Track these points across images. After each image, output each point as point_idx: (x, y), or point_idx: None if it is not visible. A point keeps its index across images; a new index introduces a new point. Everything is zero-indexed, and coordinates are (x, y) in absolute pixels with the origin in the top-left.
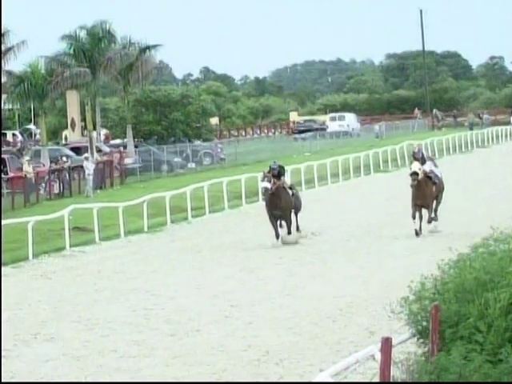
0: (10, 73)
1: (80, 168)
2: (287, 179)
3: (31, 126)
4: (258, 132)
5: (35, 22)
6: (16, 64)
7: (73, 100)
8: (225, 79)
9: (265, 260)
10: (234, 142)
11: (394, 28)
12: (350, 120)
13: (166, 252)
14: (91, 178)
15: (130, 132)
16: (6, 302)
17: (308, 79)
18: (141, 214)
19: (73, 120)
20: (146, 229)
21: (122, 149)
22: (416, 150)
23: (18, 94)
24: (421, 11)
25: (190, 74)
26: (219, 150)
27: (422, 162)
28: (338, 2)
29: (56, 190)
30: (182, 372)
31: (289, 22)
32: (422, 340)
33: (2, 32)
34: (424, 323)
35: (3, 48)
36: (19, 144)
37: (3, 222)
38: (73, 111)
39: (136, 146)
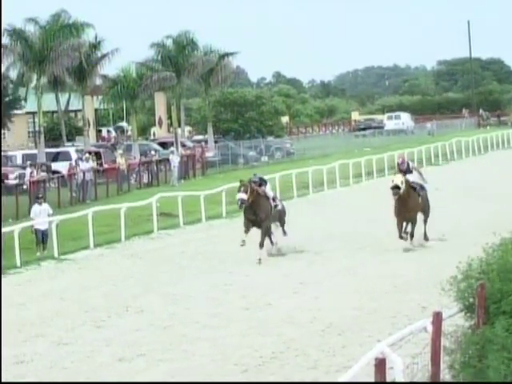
0: (105, 76)
1: (166, 161)
2: (268, 189)
3: (123, 124)
4: (324, 129)
5: (127, 32)
6: (110, 69)
7: (160, 100)
8: (294, 82)
9: (331, 240)
10: (302, 138)
11: (445, 37)
12: (405, 119)
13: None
14: (176, 169)
15: (210, 129)
16: (102, 279)
17: (368, 83)
18: (220, 201)
19: (160, 118)
20: (224, 214)
21: (203, 144)
22: (400, 161)
23: (112, 95)
24: (468, 22)
25: (263, 78)
26: (289, 145)
27: (407, 171)
28: (394, 14)
29: (145, 180)
30: (256, 341)
31: (351, 32)
32: (468, 314)
33: (98, 40)
34: (471, 299)
35: (99, 55)
36: (113, 139)
37: (98, 208)
38: (160, 110)
39: (216, 142)
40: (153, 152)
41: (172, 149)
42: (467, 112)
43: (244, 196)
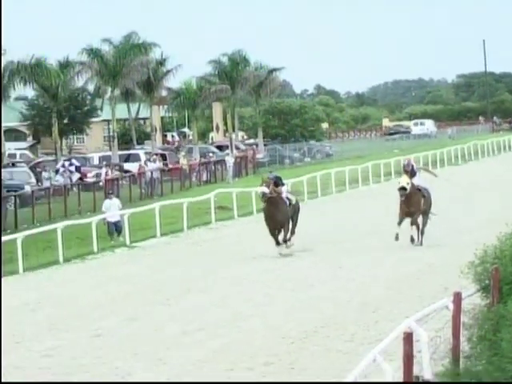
0: (169, 89)
1: (222, 161)
2: (284, 190)
3: (185, 130)
4: (358, 134)
5: (189, 50)
6: (174, 82)
7: (217, 109)
8: (333, 94)
9: (366, 230)
10: (339, 142)
11: (464, 54)
12: (429, 125)
13: None
14: (231, 168)
15: (260, 134)
16: (167, 264)
17: (396, 93)
18: None
19: (217, 125)
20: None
21: (254, 147)
22: (405, 163)
23: (175, 105)
24: (484, 41)
25: (306, 90)
26: (328, 147)
27: (412, 175)
28: (419, 33)
29: (204, 178)
30: (300, 317)
31: (381, 49)
32: (484, 294)
33: (164, 58)
34: (486, 281)
35: (164, 70)
36: (176, 143)
37: (161, 203)
38: (217, 118)
39: (265, 145)
40: (211, 154)
41: (227, 151)
42: (483, 119)
43: (266, 189)
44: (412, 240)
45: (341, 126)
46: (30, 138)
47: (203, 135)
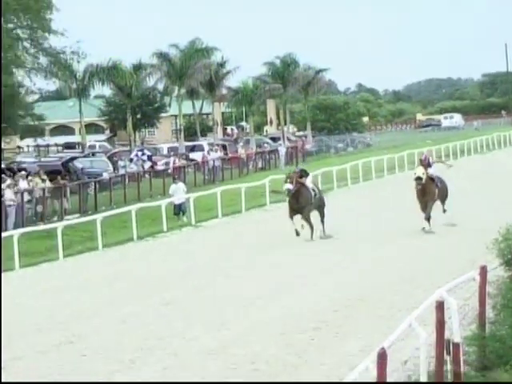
0: (229, 87)
1: (276, 151)
2: (309, 181)
3: (243, 123)
4: (395, 127)
5: (246, 53)
6: (233, 82)
7: (271, 105)
8: (372, 91)
9: (403, 211)
10: (378, 134)
11: (488, 55)
12: (457, 118)
13: (331, 208)
14: (283, 157)
15: (308, 127)
16: (229, 240)
17: (429, 91)
18: (317, 181)
19: (271, 119)
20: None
21: (303, 138)
22: (423, 158)
23: (234, 101)
24: (505, 45)
25: (348, 88)
26: (368, 138)
27: (428, 166)
28: (450, 36)
29: (260, 166)
30: (344, 289)
31: (415, 50)
32: (507, 267)
33: (224, 60)
34: (509, 256)
35: (224, 71)
36: (235, 135)
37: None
38: (271, 113)
39: (313, 136)
40: (265, 144)
41: (280, 142)
42: (505, 113)
43: (290, 186)
44: (426, 226)
45: (379, 119)
46: (107, 131)
47: (259, 128)
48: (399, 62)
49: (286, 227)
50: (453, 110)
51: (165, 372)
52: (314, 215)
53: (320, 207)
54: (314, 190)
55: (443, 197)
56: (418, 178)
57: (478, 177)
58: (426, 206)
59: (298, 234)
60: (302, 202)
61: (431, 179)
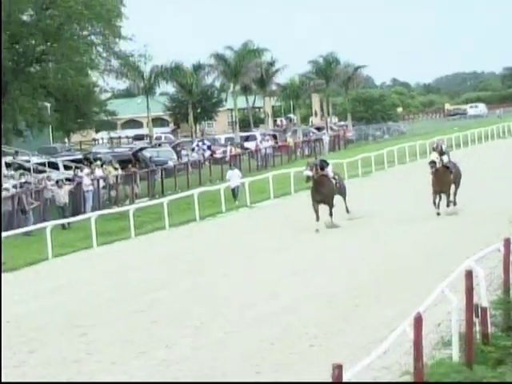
0: (278, 84)
1: (320, 139)
2: (330, 170)
3: (291, 115)
4: (425, 116)
5: (293, 53)
6: (281, 78)
7: (315, 99)
8: (405, 84)
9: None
10: (410, 122)
11: (509, 50)
12: (481, 107)
13: (367, 188)
14: (327, 145)
15: (349, 117)
16: (280, 219)
17: (455, 83)
18: (357, 166)
19: (315, 111)
20: (360, 174)
21: (344, 127)
22: (435, 146)
23: (283, 96)
24: None
25: (384, 82)
26: (402, 127)
27: (441, 154)
28: (476, 33)
29: (306, 153)
30: (386, 259)
31: (443, 47)
32: None
33: (273, 60)
34: None
35: (274, 69)
36: (284, 126)
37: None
38: (315, 105)
39: (353, 126)
40: (311, 134)
41: (324, 131)
42: None
43: (310, 173)
44: (438, 214)
45: (412, 109)
46: (171, 124)
47: (305, 119)
48: (429, 58)
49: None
50: (477, 100)
51: (226, 336)
52: (338, 199)
53: (341, 193)
54: (334, 179)
55: (457, 180)
56: (432, 162)
57: (501, 158)
58: (440, 194)
59: (317, 231)
60: (325, 193)
61: (446, 167)
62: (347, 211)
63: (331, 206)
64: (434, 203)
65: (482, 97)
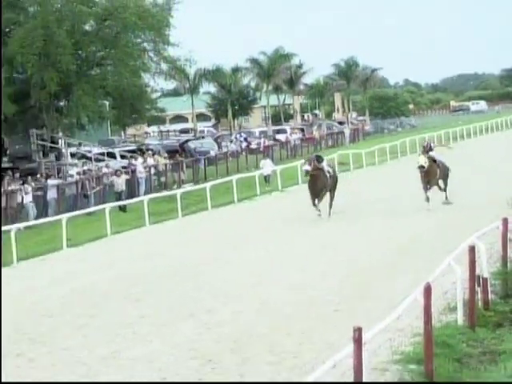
0: (305, 84)
1: (342, 132)
2: (324, 165)
3: (316, 111)
4: (434, 111)
5: (317, 57)
6: (308, 79)
7: (338, 97)
8: (416, 84)
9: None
10: (420, 117)
11: (506, 52)
12: (482, 104)
13: (386, 175)
14: (348, 137)
15: (367, 113)
16: (307, 201)
17: (460, 83)
18: (374, 155)
19: (338, 107)
20: (376, 163)
21: (363, 121)
22: (425, 144)
23: (309, 95)
24: None
25: (397, 82)
26: (413, 121)
27: (429, 150)
28: (477, 38)
29: (330, 143)
30: (397, 236)
31: (448, 50)
32: None
33: (301, 63)
34: None
35: (301, 71)
36: (310, 120)
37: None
38: (337, 103)
39: (370, 120)
40: (334, 127)
41: (345, 125)
42: None
43: (308, 167)
44: (427, 199)
45: (421, 106)
46: (213, 120)
47: (328, 115)
48: (437, 61)
49: (351, 188)
50: (479, 97)
51: (262, 302)
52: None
53: (333, 187)
54: (328, 172)
55: (444, 176)
56: (421, 167)
57: (501, 147)
58: (428, 185)
59: (319, 213)
60: (319, 185)
61: (434, 161)
62: (328, 210)
63: (321, 198)
64: (427, 200)
65: (483, 95)
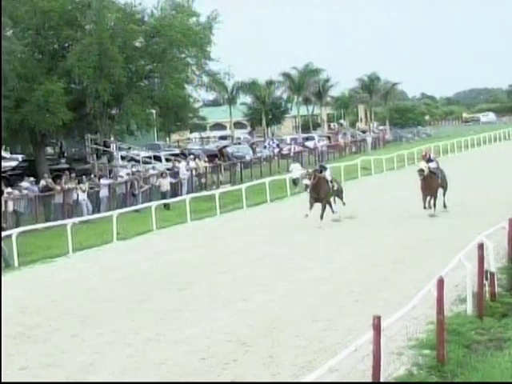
0: (332, 96)
1: (364, 140)
2: (328, 174)
3: (342, 121)
4: (447, 122)
5: (343, 72)
6: (335, 92)
7: (361, 108)
8: (431, 97)
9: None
10: (435, 127)
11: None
12: (491, 116)
13: (404, 181)
14: (370, 144)
15: (387, 123)
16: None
17: (471, 96)
18: (393, 161)
19: (361, 118)
20: (395, 168)
21: (384, 130)
22: (424, 154)
23: (335, 106)
24: None
25: (414, 95)
26: (429, 131)
27: (429, 161)
28: (487, 55)
29: (353, 150)
30: (415, 234)
31: (461, 67)
32: None
33: (328, 78)
34: None
35: (328, 85)
36: (336, 129)
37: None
38: (361, 113)
39: (390, 129)
40: (357, 136)
41: (367, 133)
42: None
43: (308, 182)
44: (430, 210)
45: (436, 117)
46: (249, 127)
47: (352, 124)
48: (450, 76)
49: (373, 190)
50: (488, 110)
51: (290, 292)
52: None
53: (338, 195)
54: (331, 182)
55: (444, 184)
56: (421, 170)
57: (508, 152)
58: (428, 197)
59: (306, 216)
60: (322, 194)
61: (433, 173)
62: (333, 212)
63: (324, 205)
64: (425, 207)
65: (492, 107)
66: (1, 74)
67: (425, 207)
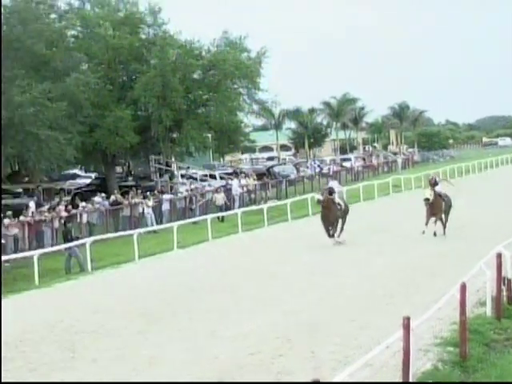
0: (367, 122)
1: (395, 161)
2: (336, 196)
3: (375, 144)
4: (469, 146)
5: (377, 101)
6: (369, 118)
7: (392, 133)
8: (455, 123)
9: (480, 197)
10: (458, 150)
11: None
12: (509, 140)
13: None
14: (400, 164)
15: (415, 145)
16: (374, 212)
17: (491, 122)
18: (421, 180)
19: (392, 141)
20: (423, 186)
21: (412, 152)
22: (430, 178)
23: (370, 131)
24: None
25: (440, 122)
26: (453, 153)
27: (435, 184)
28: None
29: (385, 170)
30: (432, 249)
31: (484, 96)
32: None
33: (363, 106)
34: None
35: (364, 112)
36: (370, 151)
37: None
38: (392, 137)
39: (418, 151)
40: (389, 157)
41: (398, 155)
42: None
43: (320, 197)
44: (434, 234)
45: (459, 141)
46: (293, 150)
47: (385, 147)
48: (472, 105)
49: (402, 205)
50: (505, 135)
51: (330, 295)
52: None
53: (343, 216)
54: (339, 204)
55: (448, 209)
56: (426, 199)
57: None
58: (434, 218)
59: (329, 236)
60: (331, 217)
61: (439, 195)
62: (339, 233)
63: (336, 227)
64: (426, 224)
65: (509, 133)
66: (0, 88)
67: (426, 224)
